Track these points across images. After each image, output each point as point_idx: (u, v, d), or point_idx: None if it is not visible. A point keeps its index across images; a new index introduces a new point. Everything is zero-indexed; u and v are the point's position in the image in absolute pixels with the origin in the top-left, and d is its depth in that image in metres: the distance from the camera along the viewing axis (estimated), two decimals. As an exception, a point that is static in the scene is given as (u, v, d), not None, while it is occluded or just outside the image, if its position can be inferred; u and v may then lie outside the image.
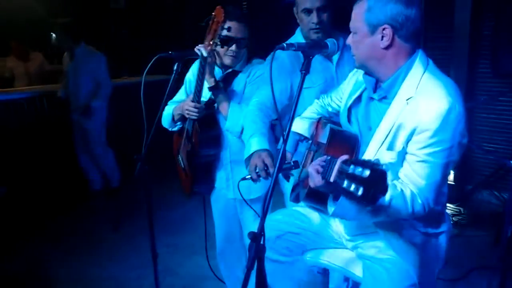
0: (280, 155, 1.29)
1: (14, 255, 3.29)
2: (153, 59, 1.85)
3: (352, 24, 1.46)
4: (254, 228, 2.05)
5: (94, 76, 3.94)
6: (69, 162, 4.32)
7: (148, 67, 1.86)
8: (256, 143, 1.71)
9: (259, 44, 2.17)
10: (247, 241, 1.35)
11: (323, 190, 1.38)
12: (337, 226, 1.73)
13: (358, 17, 1.43)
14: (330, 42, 1.52)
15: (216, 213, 2.36)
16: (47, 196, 4.14)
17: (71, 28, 3.87)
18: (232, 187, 2.17)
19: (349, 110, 1.67)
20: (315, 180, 1.35)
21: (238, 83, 2.09)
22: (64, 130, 4.26)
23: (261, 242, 1.24)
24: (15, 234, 3.58)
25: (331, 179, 1.22)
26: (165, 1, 6.13)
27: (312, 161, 1.61)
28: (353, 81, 1.70)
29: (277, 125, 1.94)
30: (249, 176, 1.63)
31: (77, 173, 4.32)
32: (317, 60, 2.03)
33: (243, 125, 1.91)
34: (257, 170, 1.61)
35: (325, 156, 1.36)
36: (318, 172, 1.35)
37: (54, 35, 6.42)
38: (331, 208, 1.40)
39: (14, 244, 3.43)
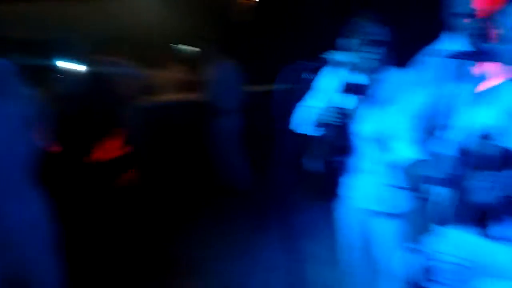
0: (436, 168, 1.20)
1: (151, 246, 3.59)
2: (295, 68, 1.88)
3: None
4: (389, 243, 1.97)
5: (232, 85, 4.30)
6: (207, 162, 4.72)
7: (285, 75, 1.90)
8: (409, 151, 1.63)
9: (403, 49, 2.10)
10: (378, 255, 1.27)
11: (497, 211, 1.24)
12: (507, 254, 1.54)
13: None
14: (488, 49, 1.39)
15: (344, 223, 2.30)
16: (184, 194, 4.53)
17: (216, 42, 4.29)
18: (366, 196, 2.09)
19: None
20: (488, 198, 1.23)
21: (380, 88, 2.03)
22: (202, 134, 4.69)
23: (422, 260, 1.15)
24: (155, 227, 3.90)
25: None
26: (295, 11, 6.28)
27: (468, 177, 1.47)
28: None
29: (431, 137, 1.86)
30: (401, 186, 1.55)
31: (211, 172, 4.69)
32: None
33: (393, 132, 1.85)
34: (412, 182, 1.52)
35: (494, 172, 1.23)
36: (491, 189, 1.22)
37: (194, 48, 7.06)
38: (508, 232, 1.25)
39: (153, 237, 3.75)
